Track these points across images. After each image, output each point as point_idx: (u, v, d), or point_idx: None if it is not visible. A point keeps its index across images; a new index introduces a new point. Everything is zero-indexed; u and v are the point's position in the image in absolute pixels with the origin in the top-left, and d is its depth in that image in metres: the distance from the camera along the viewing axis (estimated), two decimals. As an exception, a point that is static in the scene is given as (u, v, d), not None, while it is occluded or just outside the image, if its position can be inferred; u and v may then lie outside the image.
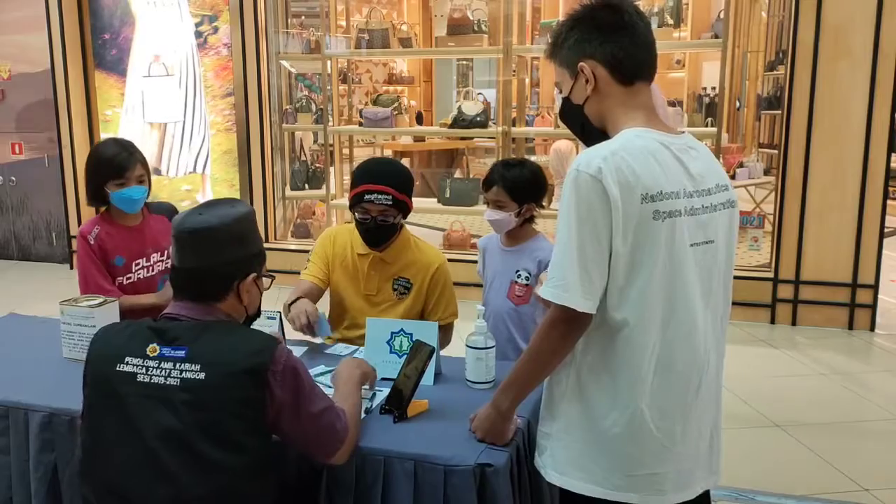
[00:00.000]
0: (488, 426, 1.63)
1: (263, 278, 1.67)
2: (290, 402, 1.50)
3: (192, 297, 1.58)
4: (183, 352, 1.49)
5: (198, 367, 1.47)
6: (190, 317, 1.56)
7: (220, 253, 1.56)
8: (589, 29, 1.48)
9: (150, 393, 1.48)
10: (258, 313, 1.71)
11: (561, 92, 1.57)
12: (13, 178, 6.71)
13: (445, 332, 2.53)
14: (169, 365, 1.48)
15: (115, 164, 2.49)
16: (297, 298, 2.38)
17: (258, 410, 1.47)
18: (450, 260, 2.62)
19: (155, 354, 1.50)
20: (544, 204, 2.52)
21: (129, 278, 2.58)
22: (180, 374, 1.47)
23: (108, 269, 2.54)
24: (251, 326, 1.69)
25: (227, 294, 1.59)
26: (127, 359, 1.51)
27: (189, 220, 1.57)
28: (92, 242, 2.52)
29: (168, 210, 2.76)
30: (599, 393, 1.46)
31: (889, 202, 4.82)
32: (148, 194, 2.60)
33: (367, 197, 2.31)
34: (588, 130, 1.54)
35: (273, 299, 2.45)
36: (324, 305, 2.46)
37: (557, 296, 1.40)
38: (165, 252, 2.63)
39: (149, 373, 1.49)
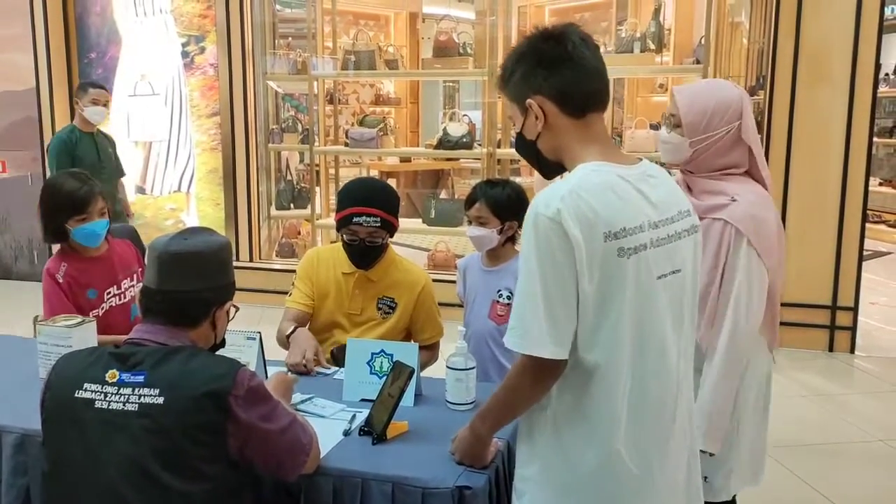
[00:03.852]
0: (466, 449, 1.62)
1: (231, 308, 1.67)
2: (256, 423, 1.48)
3: (166, 321, 1.56)
4: (142, 377, 1.47)
5: (157, 391, 1.44)
6: (155, 341, 1.53)
7: (205, 277, 1.58)
8: (533, 63, 1.42)
9: (108, 419, 1.45)
10: (223, 342, 1.70)
11: (514, 126, 1.52)
12: (-5, 196, 6.66)
13: (433, 351, 2.55)
14: (128, 391, 1.46)
15: (76, 200, 2.37)
16: (296, 328, 2.36)
17: (219, 436, 1.44)
18: (434, 280, 2.63)
19: (114, 380, 1.47)
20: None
21: (103, 308, 2.50)
22: (139, 399, 1.44)
23: (81, 304, 2.43)
24: (222, 351, 1.68)
25: (204, 320, 1.59)
26: (85, 385, 1.48)
27: (175, 244, 1.57)
28: (61, 281, 2.41)
29: (129, 232, 2.68)
30: (575, 435, 1.41)
31: (868, 225, 4.87)
32: (109, 225, 2.49)
33: (355, 219, 2.32)
34: (544, 164, 1.50)
35: (256, 318, 2.45)
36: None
37: (520, 345, 1.35)
38: (135, 276, 2.56)
39: (107, 399, 1.46)
